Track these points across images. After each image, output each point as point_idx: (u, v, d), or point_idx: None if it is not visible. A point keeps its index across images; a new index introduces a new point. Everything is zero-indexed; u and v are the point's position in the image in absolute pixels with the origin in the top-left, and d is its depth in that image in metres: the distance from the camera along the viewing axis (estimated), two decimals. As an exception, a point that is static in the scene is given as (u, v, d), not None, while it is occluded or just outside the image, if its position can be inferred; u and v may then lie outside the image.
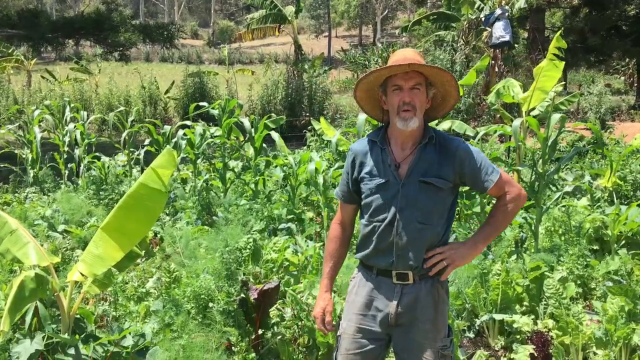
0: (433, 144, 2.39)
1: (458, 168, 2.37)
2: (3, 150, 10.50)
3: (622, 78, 33.31)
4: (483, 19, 17.20)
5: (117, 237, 3.04)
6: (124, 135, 9.91)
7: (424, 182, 2.34)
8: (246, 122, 8.04)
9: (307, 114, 21.11)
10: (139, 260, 5.33)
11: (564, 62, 6.47)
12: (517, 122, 5.95)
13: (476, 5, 18.00)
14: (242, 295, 3.60)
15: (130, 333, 3.19)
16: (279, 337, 3.65)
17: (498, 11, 15.91)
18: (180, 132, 8.32)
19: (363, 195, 2.45)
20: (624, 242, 5.50)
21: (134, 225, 3.07)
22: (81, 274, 3.07)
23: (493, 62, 17.34)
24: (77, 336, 3.13)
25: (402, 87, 2.32)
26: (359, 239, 2.51)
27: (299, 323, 3.71)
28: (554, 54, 6.23)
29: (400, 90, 2.32)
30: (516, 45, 20.87)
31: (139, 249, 3.54)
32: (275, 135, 8.57)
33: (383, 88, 2.41)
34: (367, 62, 24.16)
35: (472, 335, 4.21)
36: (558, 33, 6.26)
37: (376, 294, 2.43)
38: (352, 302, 2.51)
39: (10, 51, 24.82)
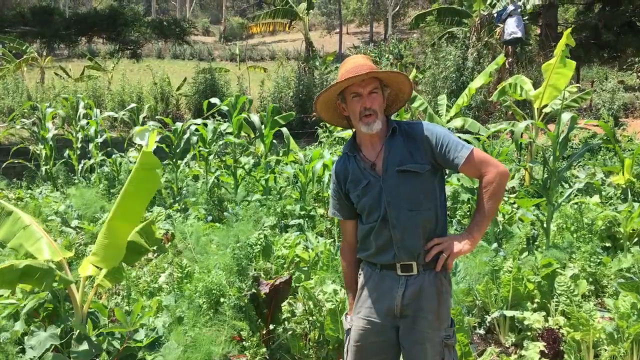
0: (399, 134, 2.46)
1: (428, 149, 2.42)
2: (18, 147, 10.60)
3: (636, 74, 32.94)
4: (495, 15, 17.11)
5: (121, 223, 3.10)
6: (132, 132, 9.97)
7: (401, 171, 2.41)
8: (255, 119, 8.05)
9: (318, 111, 21.07)
10: (151, 256, 5.38)
11: (574, 63, 6.45)
12: (521, 126, 5.93)
13: (488, 1, 17.90)
14: (253, 290, 3.63)
15: (142, 326, 3.22)
16: (290, 332, 3.67)
17: (510, 7, 15.83)
18: (192, 128, 8.37)
19: (355, 204, 2.53)
20: (636, 239, 5.46)
21: (135, 209, 3.13)
22: (95, 266, 3.11)
23: (504, 58, 17.26)
24: (90, 330, 3.17)
25: (361, 94, 2.41)
26: (359, 241, 2.57)
27: (310, 318, 3.73)
28: (562, 51, 6.21)
29: (359, 97, 2.41)
30: (530, 42, 20.74)
31: (147, 244, 3.57)
32: (285, 132, 8.58)
33: (342, 97, 2.49)
34: (378, 59, 24.10)
35: (482, 331, 4.21)
36: (568, 30, 6.23)
37: (381, 288, 2.49)
38: (359, 297, 2.57)
39: (24, 48, 24.97)
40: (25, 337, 3.07)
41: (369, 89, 2.40)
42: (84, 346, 3.02)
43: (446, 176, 2.47)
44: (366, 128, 2.41)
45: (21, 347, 3.10)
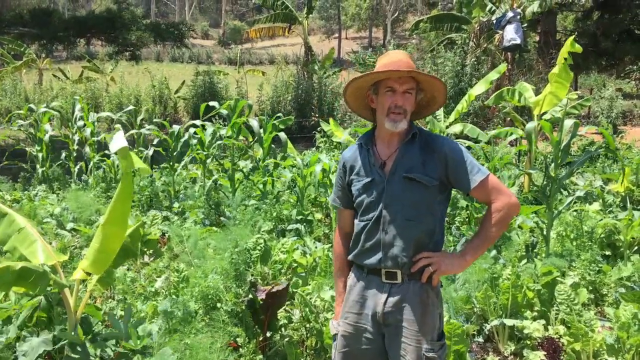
0: (417, 142, 2.42)
1: (443, 165, 2.37)
2: (15, 148, 10.55)
3: (634, 82, 33.02)
4: (494, 21, 17.12)
5: (110, 228, 3.03)
6: (129, 132, 9.94)
7: (408, 179, 2.36)
8: (254, 123, 8.02)
9: (317, 115, 21.09)
10: (148, 260, 5.33)
11: (572, 73, 6.46)
12: (531, 125, 5.89)
13: (488, 8, 17.91)
14: (250, 296, 3.57)
15: (137, 332, 3.16)
16: (287, 339, 3.62)
17: (509, 14, 15.82)
18: (191, 131, 8.33)
19: (353, 197, 2.50)
20: (636, 247, 5.43)
21: (120, 213, 3.04)
22: (86, 272, 3.05)
23: (506, 66, 17.29)
24: (83, 335, 3.11)
25: (395, 90, 2.36)
26: (352, 240, 2.54)
27: (307, 325, 3.68)
28: (565, 59, 6.20)
29: (393, 93, 2.36)
30: (529, 49, 20.77)
31: (133, 247, 3.50)
32: (282, 137, 8.56)
33: (375, 88, 2.44)
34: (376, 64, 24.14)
35: (481, 340, 4.16)
36: (571, 38, 6.21)
37: (367, 293, 2.46)
38: (347, 301, 2.55)
39: (22, 49, 24.95)
40: (17, 343, 3.01)
41: (404, 87, 2.35)
42: (77, 352, 2.97)
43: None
44: (391, 125, 2.36)
45: (13, 353, 3.05)
